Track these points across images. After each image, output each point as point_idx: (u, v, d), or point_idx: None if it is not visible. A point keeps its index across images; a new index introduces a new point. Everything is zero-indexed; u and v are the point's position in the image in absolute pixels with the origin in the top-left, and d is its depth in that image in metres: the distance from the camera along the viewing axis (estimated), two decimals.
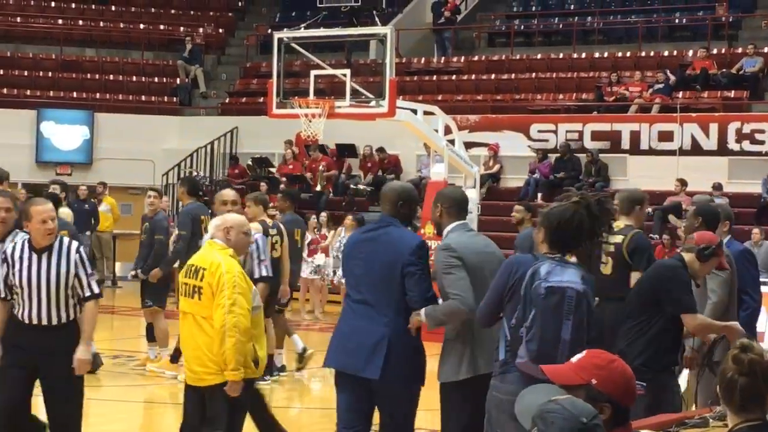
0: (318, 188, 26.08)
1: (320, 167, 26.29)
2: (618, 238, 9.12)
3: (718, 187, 22.33)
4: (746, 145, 23.53)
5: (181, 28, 32.72)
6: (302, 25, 20.84)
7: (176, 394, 12.96)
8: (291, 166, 26.81)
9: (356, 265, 7.29)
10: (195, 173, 27.47)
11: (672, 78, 25.52)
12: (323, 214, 22.35)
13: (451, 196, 7.48)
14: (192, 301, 7.28)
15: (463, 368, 7.01)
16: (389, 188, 7.52)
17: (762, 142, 23.39)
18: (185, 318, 7.38)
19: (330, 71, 20.47)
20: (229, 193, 9.03)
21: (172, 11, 33.82)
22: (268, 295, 12.02)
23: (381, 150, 26.08)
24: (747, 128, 23.59)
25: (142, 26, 32.91)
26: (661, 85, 25.48)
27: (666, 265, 7.86)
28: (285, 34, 20.07)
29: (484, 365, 6.83)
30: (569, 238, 6.20)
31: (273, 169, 27.11)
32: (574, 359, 4.15)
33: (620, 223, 9.22)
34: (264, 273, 11.87)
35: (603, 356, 4.13)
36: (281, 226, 13.75)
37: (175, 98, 30.90)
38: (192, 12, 33.94)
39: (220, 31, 33.61)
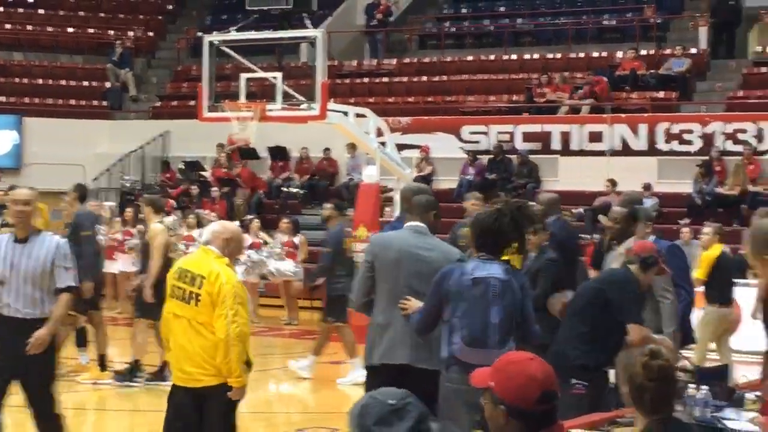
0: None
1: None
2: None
3: (647, 187, 22.52)
4: (675, 146, 23.76)
5: (111, 32, 32.47)
6: (233, 28, 20.78)
7: (105, 398, 12.89)
8: (224, 170, 26.68)
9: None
10: (125, 178, 27.29)
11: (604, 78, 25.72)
12: (256, 221, 22.12)
13: (405, 196, 8.04)
14: (188, 306, 7.43)
15: (374, 355, 7.63)
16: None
17: (690, 143, 23.63)
18: (178, 321, 7.51)
19: (261, 74, 20.39)
20: (21, 193, 8.92)
21: (102, 15, 33.54)
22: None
23: (327, 150, 26.06)
24: (676, 129, 23.83)
25: (71, 30, 32.60)
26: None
27: (620, 274, 7.96)
28: (215, 37, 19.99)
29: (403, 356, 7.41)
30: (492, 242, 6.76)
31: (204, 173, 26.96)
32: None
33: None
34: (71, 283, 11.36)
35: (508, 357, 4.07)
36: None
37: (105, 102, 30.66)
38: (122, 15, 33.67)
39: (150, 34, 33.39)
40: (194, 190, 26.00)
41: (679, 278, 9.34)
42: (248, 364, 7.49)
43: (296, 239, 20.85)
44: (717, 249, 13.83)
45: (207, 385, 7.44)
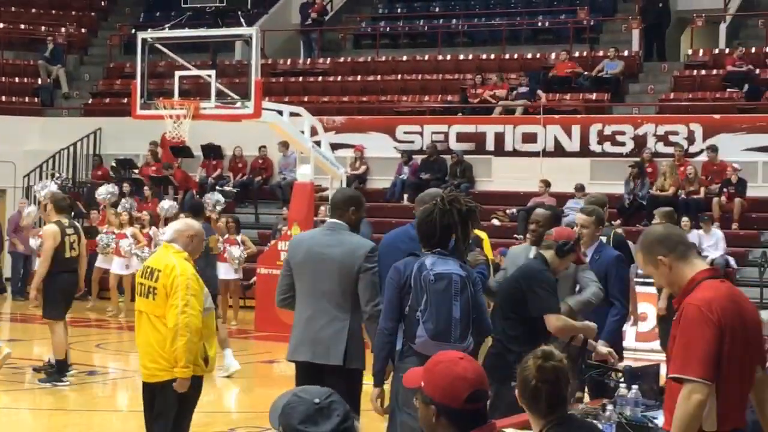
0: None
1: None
2: None
3: (580, 188, 22.67)
4: (608, 147, 23.95)
5: (43, 28, 32.13)
6: (167, 26, 20.66)
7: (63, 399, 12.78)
8: (154, 168, 26.51)
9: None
10: (57, 175, 27.02)
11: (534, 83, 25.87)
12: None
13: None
14: (147, 300, 7.67)
15: (294, 352, 7.90)
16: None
17: (623, 144, 23.83)
18: (140, 316, 7.75)
19: (195, 72, 20.33)
20: None
21: (33, 10, 33.16)
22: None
23: (263, 149, 25.96)
24: (608, 130, 24.02)
25: (1, 25, 32.20)
26: (524, 89, 25.80)
27: (529, 265, 7.95)
28: (149, 34, 19.89)
29: (305, 353, 7.78)
30: (432, 236, 6.92)
31: (136, 171, 26.78)
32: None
33: None
34: None
35: (437, 357, 4.10)
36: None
37: (36, 99, 30.34)
38: (53, 11, 33.33)
39: (83, 30, 33.08)
40: (126, 188, 25.79)
41: (618, 291, 9.32)
42: (206, 361, 7.62)
43: (239, 238, 20.77)
44: None
45: (162, 380, 7.62)
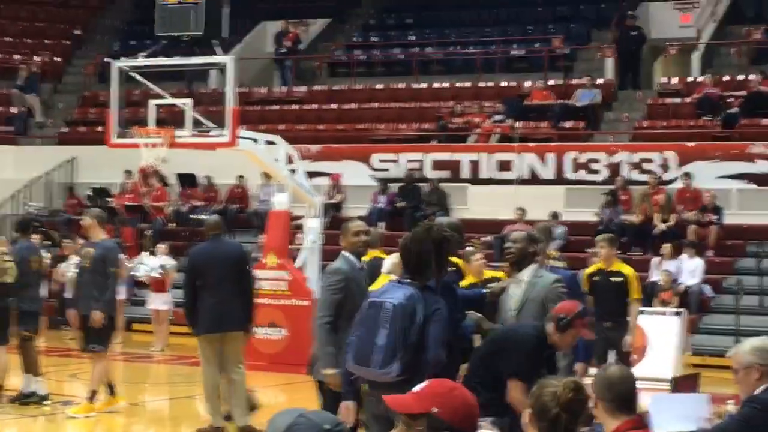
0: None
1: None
2: None
3: (555, 215, 22.73)
4: (582, 175, 24.02)
5: (16, 56, 32.05)
6: (141, 54, 20.61)
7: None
8: (130, 196, 26.45)
9: None
10: (30, 204, 26.93)
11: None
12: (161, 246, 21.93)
13: None
14: None
15: None
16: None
17: (597, 172, 23.91)
18: None
19: (170, 100, 20.26)
20: None
21: (7, 39, 33.09)
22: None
23: (241, 178, 25.94)
24: (583, 158, 24.11)
25: None
26: (500, 117, 25.88)
27: (519, 329, 7.90)
28: (124, 62, 19.83)
29: None
30: (408, 263, 7.17)
31: (111, 199, 26.70)
32: (417, 388, 4.14)
33: None
34: None
35: (444, 384, 4.15)
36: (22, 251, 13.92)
37: (10, 127, 30.22)
38: (27, 40, 33.25)
39: (57, 59, 33.02)
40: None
41: None
42: None
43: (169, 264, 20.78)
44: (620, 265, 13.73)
45: None
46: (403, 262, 7.24)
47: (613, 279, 13.06)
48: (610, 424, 5.27)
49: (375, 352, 6.97)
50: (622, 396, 5.31)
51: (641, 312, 18.43)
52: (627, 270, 13.46)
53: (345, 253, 8.97)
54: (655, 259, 21.32)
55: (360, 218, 24.08)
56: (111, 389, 13.56)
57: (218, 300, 12.00)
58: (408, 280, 7.12)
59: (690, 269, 20.94)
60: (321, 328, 8.62)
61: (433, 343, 7.02)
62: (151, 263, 21.14)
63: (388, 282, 7.28)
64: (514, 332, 7.82)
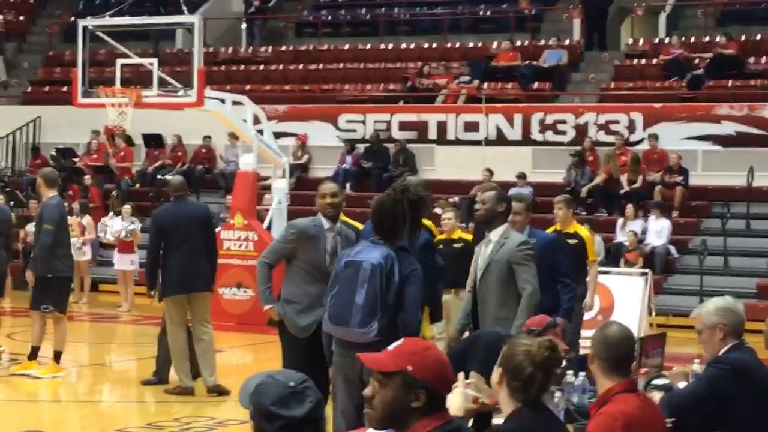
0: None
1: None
2: None
3: (522, 176, 22.78)
4: (549, 136, 24.07)
5: None
6: (107, 13, 20.48)
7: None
8: (95, 157, 26.32)
9: None
10: None
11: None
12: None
13: None
14: None
15: None
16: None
17: (564, 133, 23.96)
18: None
19: (137, 60, 20.14)
20: None
21: None
22: None
23: (207, 138, 25.82)
24: (550, 119, 24.15)
25: None
26: (466, 78, 25.87)
27: (494, 334, 7.85)
28: (90, 22, 19.68)
29: None
30: (381, 223, 7.19)
31: (76, 160, 26.57)
32: (392, 347, 4.16)
33: None
34: None
35: (419, 343, 4.18)
36: None
37: None
38: None
39: (21, 18, 32.73)
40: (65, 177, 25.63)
41: (564, 271, 9.41)
42: None
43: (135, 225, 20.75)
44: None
45: None
46: (376, 223, 7.25)
47: (569, 241, 13.02)
48: (603, 383, 5.32)
49: (354, 312, 7.06)
50: (619, 357, 5.36)
51: (607, 272, 18.61)
52: (583, 232, 13.44)
53: (320, 214, 8.99)
54: (620, 221, 21.43)
55: (327, 179, 24.16)
56: (36, 353, 13.45)
57: (185, 261, 12.03)
58: (381, 241, 7.16)
59: (656, 230, 21.06)
60: (258, 264, 8.99)
61: (411, 305, 7.12)
62: (116, 224, 21.06)
63: (363, 242, 7.34)
64: (486, 336, 7.73)
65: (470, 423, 4.77)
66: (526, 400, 4.66)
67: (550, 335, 7.49)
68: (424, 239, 8.60)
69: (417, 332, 7.29)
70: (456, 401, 4.72)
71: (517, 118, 24.30)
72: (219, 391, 12.07)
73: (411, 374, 4.01)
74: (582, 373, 6.62)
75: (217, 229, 19.45)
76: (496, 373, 4.74)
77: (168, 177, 25.17)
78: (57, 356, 13.21)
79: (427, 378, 4.02)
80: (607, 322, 5.62)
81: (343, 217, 9.21)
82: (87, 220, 21.73)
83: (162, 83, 18.76)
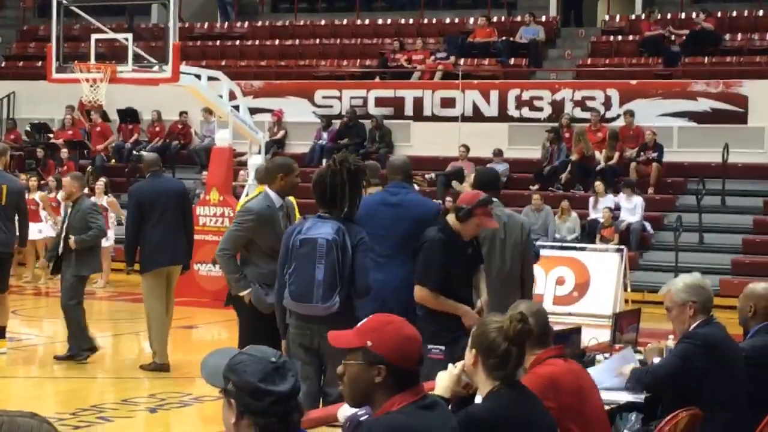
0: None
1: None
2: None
3: (498, 153, 22.80)
4: (525, 112, 24.08)
5: None
6: None
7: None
8: (70, 132, 26.20)
9: None
10: None
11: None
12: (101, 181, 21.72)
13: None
14: None
15: None
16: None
17: (540, 109, 23.98)
18: None
19: (111, 35, 20.00)
20: None
21: None
22: None
23: (183, 114, 25.71)
24: (526, 95, 24.15)
25: None
26: (443, 54, 25.83)
27: (426, 236, 7.96)
28: None
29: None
30: (323, 195, 7.38)
31: (51, 135, 26.44)
32: (360, 324, 4.17)
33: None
34: None
35: (381, 319, 4.19)
36: None
37: None
38: None
39: None
40: (40, 153, 25.51)
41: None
42: None
43: (104, 201, 20.66)
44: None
45: None
46: (317, 195, 7.43)
47: None
48: (528, 359, 5.40)
49: (316, 287, 7.25)
50: (539, 330, 5.43)
51: (583, 249, 18.67)
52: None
53: (268, 190, 9.05)
54: (592, 198, 21.44)
55: (303, 155, 24.14)
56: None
57: (164, 235, 12.13)
58: (327, 214, 7.37)
59: (629, 207, 21.10)
60: (221, 258, 8.94)
61: (361, 272, 7.39)
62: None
63: (311, 218, 7.50)
64: (423, 242, 7.91)
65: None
66: (504, 377, 4.70)
67: (479, 214, 7.67)
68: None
69: (368, 296, 7.61)
70: (444, 381, 4.75)
71: (494, 94, 24.30)
72: (160, 369, 12.30)
73: (370, 350, 4.04)
74: None
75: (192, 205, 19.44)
76: (469, 356, 4.75)
77: (143, 153, 25.19)
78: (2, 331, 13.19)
79: (386, 353, 4.03)
80: (516, 303, 5.69)
81: (262, 189, 9.50)
82: (62, 195, 21.59)
83: (137, 58, 18.65)
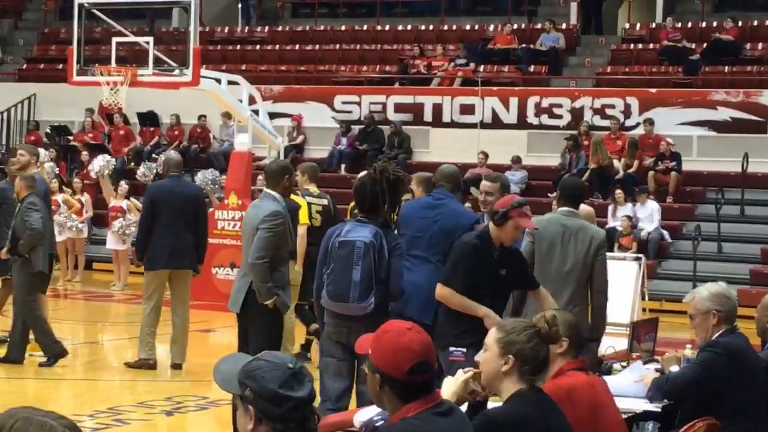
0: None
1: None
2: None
3: (516, 160, 22.79)
4: (545, 119, 24.06)
5: None
6: None
7: None
8: (90, 135, 26.28)
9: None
10: None
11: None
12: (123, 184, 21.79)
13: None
14: None
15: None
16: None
17: (560, 116, 23.96)
18: None
19: (132, 38, 20.09)
20: None
21: None
22: None
23: (202, 118, 25.75)
24: (546, 102, 24.13)
25: None
26: (463, 60, 25.83)
27: (462, 239, 7.95)
28: None
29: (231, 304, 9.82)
30: (363, 202, 7.76)
31: (71, 138, 26.52)
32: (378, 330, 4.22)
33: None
34: None
35: (386, 327, 4.20)
36: None
37: None
38: None
39: None
40: (52, 153, 25.57)
41: None
42: None
43: (124, 204, 20.69)
44: None
45: None
46: (358, 201, 7.83)
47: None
48: (552, 368, 5.45)
49: (352, 288, 7.64)
50: (571, 342, 5.55)
51: None
52: None
53: (274, 193, 9.29)
54: (611, 206, 21.40)
55: (322, 160, 24.20)
56: None
57: (174, 237, 12.19)
58: (366, 220, 7.74)
59: (646, 215, 21.05)
60: (260, 266, 9.10)
61: (396, 276, 7.75)
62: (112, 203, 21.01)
63: (350, 222, 7.96)
64: (456, 244, 7.96)
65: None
66: (531, 382, 4.74)
67: (515, 216, 7.61)
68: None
69: (402, 299, 8.06)
70: (450, 387, 4.74)
71: (513, 101, 24.28)
72: (140, 367, 12.53)
73: (369, 358, 4.11)
74: None
75: (210, 209, 19.52)
76: (504, 363, 4.71)
77: (170, 152, 25.22)
78: None
79: (379, 363, 4.07)
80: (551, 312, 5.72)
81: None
82: (86, 198, 21.71)
83: (157, 62, 18.72)
